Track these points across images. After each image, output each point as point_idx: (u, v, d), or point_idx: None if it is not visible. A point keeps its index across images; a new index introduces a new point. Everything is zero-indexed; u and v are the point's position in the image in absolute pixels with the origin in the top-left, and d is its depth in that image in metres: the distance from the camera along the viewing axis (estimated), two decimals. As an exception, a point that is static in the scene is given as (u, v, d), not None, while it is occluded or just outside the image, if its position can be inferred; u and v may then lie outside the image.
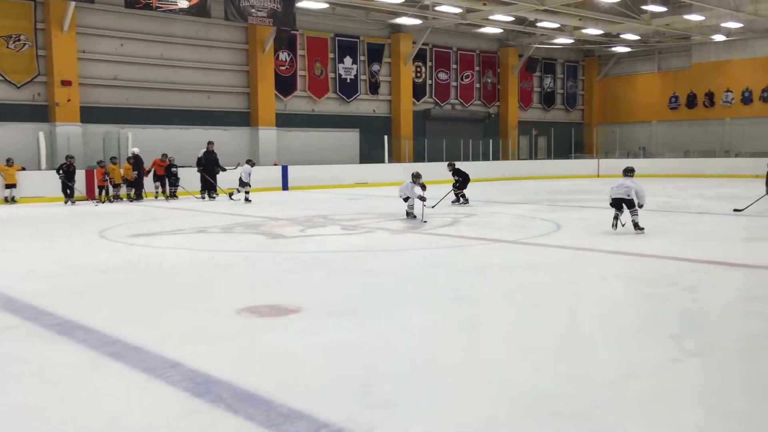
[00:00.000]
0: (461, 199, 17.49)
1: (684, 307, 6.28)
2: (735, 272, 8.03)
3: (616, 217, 11.37)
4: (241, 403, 3.89)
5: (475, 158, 32.03)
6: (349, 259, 9.29)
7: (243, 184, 19.19)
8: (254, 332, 5.53)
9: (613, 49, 36.42)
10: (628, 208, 11.18)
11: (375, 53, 30.08)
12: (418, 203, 13.37)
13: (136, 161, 19.90)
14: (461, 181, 17.69)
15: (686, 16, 27.94)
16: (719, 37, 32.44)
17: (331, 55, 28.77)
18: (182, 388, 4.17)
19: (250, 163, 19.91)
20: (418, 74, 31.75)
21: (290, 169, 25.37)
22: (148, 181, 20.37)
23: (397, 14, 27.82)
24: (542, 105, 37.67)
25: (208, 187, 20.56)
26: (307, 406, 3.85)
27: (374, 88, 30.27)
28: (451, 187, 17.75)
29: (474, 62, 34.06)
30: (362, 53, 29.66)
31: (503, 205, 17.37)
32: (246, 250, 10.27)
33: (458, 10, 27.04)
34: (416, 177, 13.73)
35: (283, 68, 27.47)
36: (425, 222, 13.09)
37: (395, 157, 29.72)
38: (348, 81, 29.34)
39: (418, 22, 28.61)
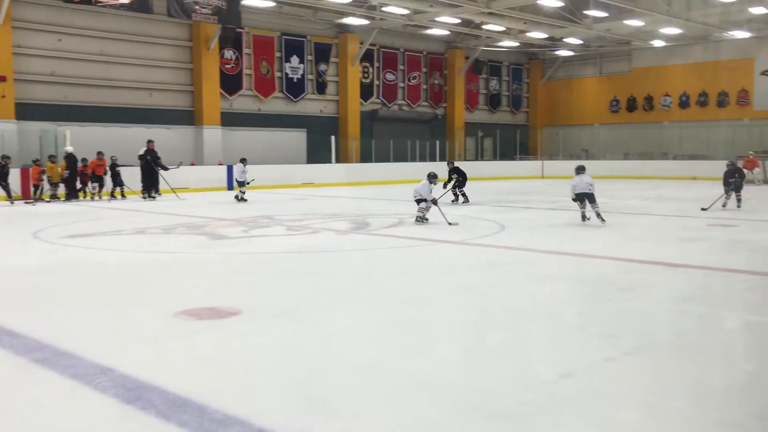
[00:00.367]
0: (461, 197, 17.51)
1: (621, 307, 6.40)
2: (671, 272, 8.23)
3: (583, 212, 12.71)
4: (173, 410, 3.77)
5: (422, 159, 32.18)
6: (293, 260, 9.18)
7: (240, 183, 18.96)
8: (191, 335, 5.39)
9: (557, 52, 37.11)
10: (590, 202, 12.50)
11: (322, 53, 29.93)
12: (432, 206, 12.90)
13: (69, 160, 19.28)
14: (461, 180, 17.62)
15: (626, 22, 28.64)
16: (658, 43, 33.38)
17: (277, 54, 28.50)
18: (112, 394, 4.02)
19: (243, 162, 19.52)
20: (366, 75, 31.73)
21: (235, 168, 24.98)
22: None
23: (345, 14, 27.75)
24: (488, 107, 38.11)
25: (149, 187, 20.10)
26: (243, 411, 3.76)
27: (321, 87, 30.13)
28: (451, 187, 17.65)
29: (421, 63, 34.22)
30: (309, 53, 29.48)
31: (449, 206, 17.46)
32: (186, 251, 10.04)
33: (405, 12, 27.12)
34: (433, 177, 13.21)
35: (229, 66, 27.08)
36: (456, 224, 12.56)
37: (342, 158, 29.65)
38: (295, 80, 29.12)
39: (365, 22, 28.58)
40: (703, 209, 15.30)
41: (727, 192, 15.89)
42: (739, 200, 15.84)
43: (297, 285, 7.43)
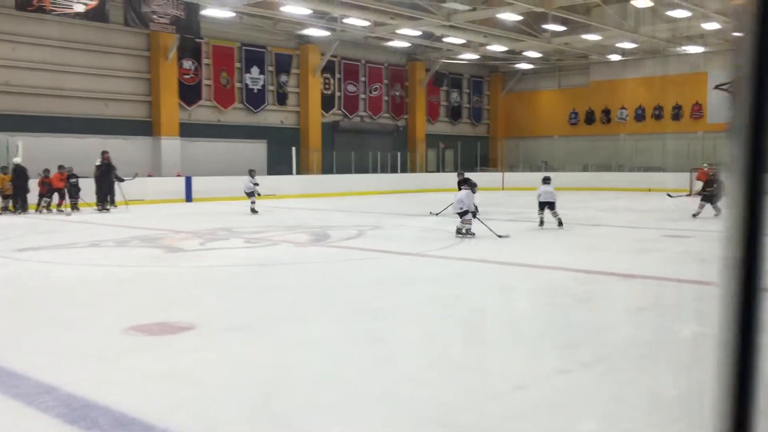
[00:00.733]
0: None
1: (579, 318, 6.44)
2: (626, 283, 8.33)
3: (541, 218, 14.08)
4: (119, 429, 3.65)
5: (384, 170, 32.25)
6: (250, 273, 9.06)
7: (249, 194, 18.65)
8: (141, 352, 5.25)
9: (517, 65, 37.60)
10: (551, 209, 13.90)
11: (283, 64, 29.83)
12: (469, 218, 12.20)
13: (16, 172, 18.75)
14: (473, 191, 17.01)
15: (583, 36, 29.18)
16: (615, 57, 34.06)
17: (237, 65, 28.30)
18: (55, 414, 3.88)
19: (252, 173, 19.26)
20: (327, 86, 31.70)
21: (194, 180, 24.71)
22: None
23: (305, 26, 27.71)
24: (449, 119, 38.40)
25: (104, 199, 19.71)
26: (196, 429, 3.66)
27: (282, 99, 30.00)
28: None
29: (383, 75, 34.34)
30: (270, 64, 29.35)
31: (409, 218, 17.49)
32: (141, 264, 9.84)
33: (366, 24, 27.20)
34: (474, 186, 12.49)
35: (188, 77, 26.79)
36: (507, 236, 12.15)
37: (303, 169, 29.52)
38: (255, 91, 28.94)
39: (326, 33, 28.58)
40: (669, 195, 15.69)
41: (702, 201, 16.53)
42: (717, 210, 16.30)
43: (254, 298, 7.32)
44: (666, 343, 5.71)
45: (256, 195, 18.75)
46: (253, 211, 18.37)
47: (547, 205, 13.83)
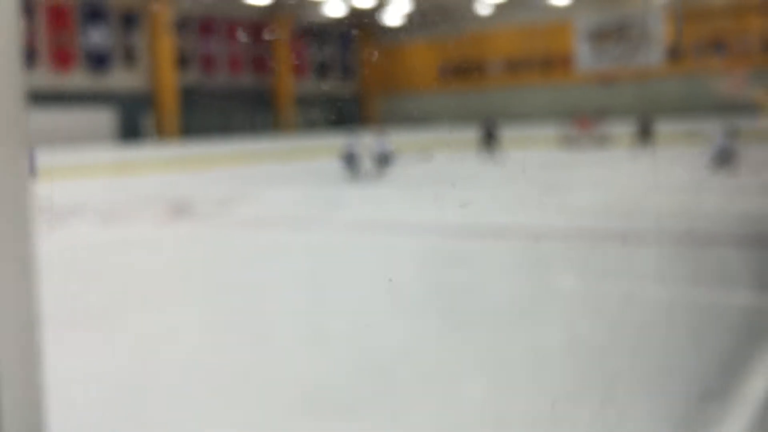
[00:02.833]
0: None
1: (458, 279, 6.57)
2: (503, 239, 8.59)
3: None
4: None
5: (250, 132, 31.57)
6: (102, 255, 8.58)
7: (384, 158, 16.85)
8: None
9: (386, 19, 37.61)
10: (385, 163, 15.78)
11: (130, 21, 28.27)
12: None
13: None
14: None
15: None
16: (484, 7, 34.82)
17: (76, 23, 26.54)
18: None
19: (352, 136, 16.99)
20: (182, 44, 30.42)
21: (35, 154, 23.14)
22: None
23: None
24: (317, 76, 37.98)
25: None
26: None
27: (131, 59, 28.50)
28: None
29: (243, 32, 33.37)
30: (114, 21, 27.71)
31: (280, 184, 17.23)
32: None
33: (221, -26, 26.26)
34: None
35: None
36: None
37: (160, 135, 28.34)
38: (99, 52, 27.30)
39: (176, -14, 27.35)
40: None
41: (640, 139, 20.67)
42: (651, 145, 20.51)
43: (107, 284, 6.93)
44: (545, 298, 5.93)
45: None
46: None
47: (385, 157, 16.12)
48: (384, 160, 16.20)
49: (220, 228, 10.40)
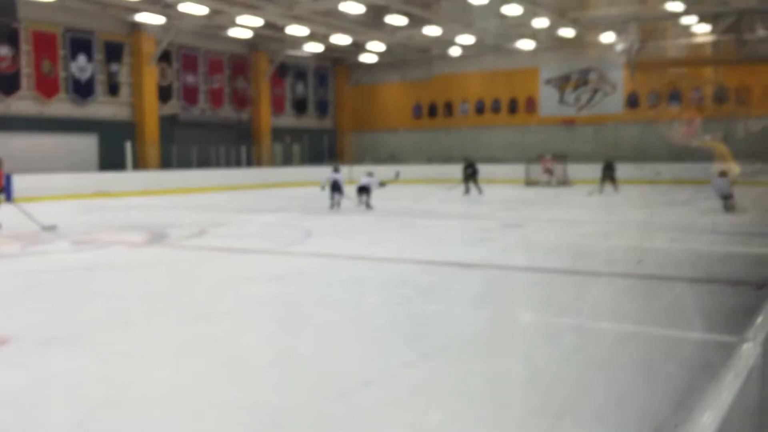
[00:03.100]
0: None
1: (422, 310, 6.57)
2: (467, 273, 8.63)
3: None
4: None
5: (228, 165, 31.46)
6: (76, 278, 8.44)
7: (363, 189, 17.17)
8: (-59, 374, 4.71)
9: (361, 58, 38.01)
10: (368, 194, 16.67)
11: (114, 52, 28.16)
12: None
13: None
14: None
15: (425, 30, 30.01)
16: (455, 51, 35.36)
17: (62, 52, 26.36)
18: None
19: (335, 168, 17.58)
20: (164, 76, 30.36)
21: (15, 178, 22.73)
22: None
23: (138, 11, 26.31)
24: (295, 111, 38.12)
25: None
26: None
27: (114, 89, 28.34)
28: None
29: (224, 66, 33.42)
30: (99, 51, 27.60)
31: (254, 213, 17.17)
32: (-53, 274, 8.88)
33: (204, 11, 26.30)
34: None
35: (4, 65, 24.58)
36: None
37: (140, 164, 28.10)
38: (83, 81, 27.11)
39: (161, 20, 27.33)
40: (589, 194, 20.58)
41: (602, 181, 22.52)
42: (616, 188, 22.75)
43: (78, 306, 6.81)
44: (503, 331, 5.96)
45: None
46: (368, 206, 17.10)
47: (365, 190, 16.86)
48: (367, 193, 16.89)
49: (193, 253, 10.31)
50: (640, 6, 27.68)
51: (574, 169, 28.55)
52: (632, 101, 32.78)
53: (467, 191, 22.97)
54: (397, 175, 19.36)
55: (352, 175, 33.38)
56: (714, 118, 28.99)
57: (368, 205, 16.85)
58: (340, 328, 5.96)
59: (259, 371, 4.81)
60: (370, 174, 17.58)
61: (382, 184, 17.37)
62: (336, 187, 16.79)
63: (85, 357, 5.08)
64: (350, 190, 17.63)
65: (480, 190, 22.57)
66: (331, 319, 6.30)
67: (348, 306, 6.83)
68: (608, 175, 23.46)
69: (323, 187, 17.34)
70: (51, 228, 13.11)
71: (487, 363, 4.91)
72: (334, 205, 16.86)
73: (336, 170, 17.18)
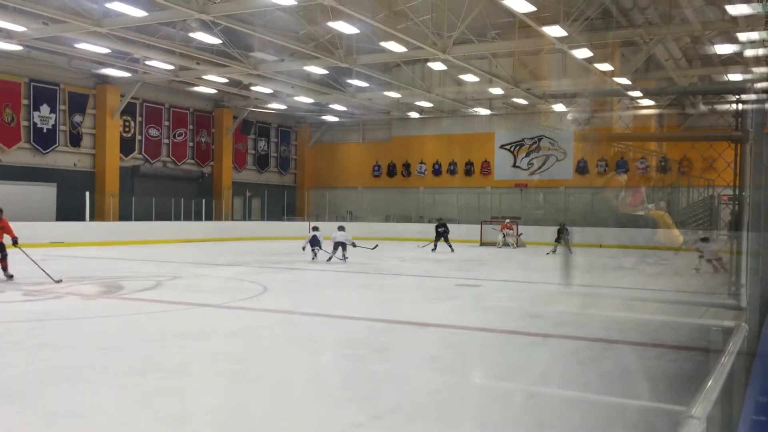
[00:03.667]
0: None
1: (375, 369, 6.48)
2: (421, 332, 8.58)
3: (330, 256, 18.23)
4: None
5: (188, 218, 31.08)
6: (24, 330, 8.13)
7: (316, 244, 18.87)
8: None
9: (323, 117, 38.42)
10: (343, 249, 18.27)
11: (77, 103, 27.92)
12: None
13: None
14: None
15: (385, 93, 30.56)
16: (414, 114, 36.02)
17: (25, 102, 26.02)
18: None
19: (314, 227, 20.06)
20: (127, 129, 30.13)
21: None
22: None
23: (104, 65, 26.25)
24: (256, 167, 38.11)
25: None
26: None
27: (76, 140, 27.97)
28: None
29: (188, 120, 33.38)
30: (63, 102, 27.33)
31: (212, 267, 16.91)
32: None
33: (170, 67, 26.38)
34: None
35: (-36, 111, 24.15)
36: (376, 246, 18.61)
37: (99, 215, 27.56)
38: (45, 131, 26.73)
39: (127, 74, 27.29)
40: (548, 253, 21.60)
41: (557, 242, 23.79)
42: (570, 249, 23.93)
43: (24, 360, 6.54)
44: (456, 391, 5.91)
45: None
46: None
47: (340, 245, 18.37)
48: (343, 247, 18.48)
49: (147, 305, 10.05)
50: (589, 80, 28.73)
51: (527, 231, 29.00)
52: (582, 168, 33.65)
53: (435, 248, 24.22)
54: (375, 247, 21.50)
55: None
56: (658, 187, 29.89)
57: (344, 258, 18.42)
58: (292, 387, 5.83)
59: (211, 427, 4.65)
60: (341, 228, 19.11)
61: (353, 244, 18.90)
62: (315, 242, 18.58)
63: (28, 413, 4.85)
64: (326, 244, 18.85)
65: (452, 249, 23.91)
66: (283, 377, 6.17)
67: (301, 364, 6.70)
68: (563, 237, 24.56)
69: (304, 248, 18.97)
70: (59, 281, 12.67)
71: (439, 424, 4.84)
72: (314, 256, 18.70)
73: (315, 229, 19.42)
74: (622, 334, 8.71)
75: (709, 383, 2.65)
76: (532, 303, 11.49)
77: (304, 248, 18.95)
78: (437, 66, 25.13)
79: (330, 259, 18.28)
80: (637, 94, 28.63)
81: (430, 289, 13.29)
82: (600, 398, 5.67)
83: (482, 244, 29.23)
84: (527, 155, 34.89)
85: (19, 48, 23.51)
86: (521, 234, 28.86)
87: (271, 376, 6.20)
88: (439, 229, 24.48)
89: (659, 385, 6.04)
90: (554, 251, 23.75)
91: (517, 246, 28.06)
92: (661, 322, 9.89)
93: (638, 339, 8.34)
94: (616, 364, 7.01)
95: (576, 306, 11.32)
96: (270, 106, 34.67)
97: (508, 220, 28.96)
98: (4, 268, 13.05)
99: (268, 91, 30.97)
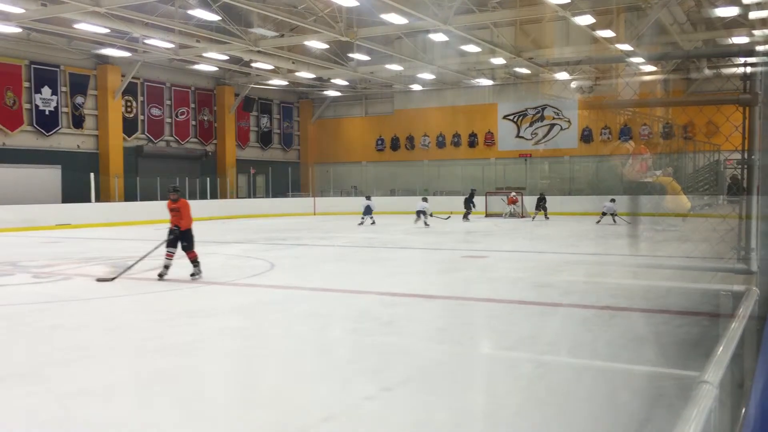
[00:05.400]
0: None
1: (382, 342, 6.50)
2: (428, 304, 8.60)
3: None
4: None
5: (192, 197, 31.06)
6: (34, 312, 8.17)
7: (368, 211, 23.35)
8: None
9: (325, 92, 38.20)
10: (424, 216, 21.90)
11: (79, 85, 27.82)
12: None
13: None
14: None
15: (387, 66, 30.33)
16: (416, 87, 35.76)
17: (26, 84, 25.94)
18: None
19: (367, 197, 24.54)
20: (129, 109, 30.04)
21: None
22: None
23: (103, 45, 26.08)
24: (260, 144, 38.03)
25: None
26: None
27: (78, 121, 27.92)
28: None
29: (189, 99, 33.25)
30: (64, 84, 27.23)
31: (218, 245, 16.93)
32: None
33: (170, 46, 26.19)
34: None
35: (-34, 96, 24.09)
36: (448, 217, 21.81)
37: (104, 196, 27.59)
38: (47, 113, 26.68)
39: (127, 54, 27.12)
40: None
41: (536, 210, 25.90)
42: (546, 217, 25.92)
43: (36, 341, 6.58)
44: (464, 362, 5.92)
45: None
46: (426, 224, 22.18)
47: (421, 213, 22.09)
48: (424, 215, 22.09)
49: (156, 285, 10.08)
50: (592, 47, 28.42)
51: (531, 202, 28.95)
52: (586, 136, 33.44)
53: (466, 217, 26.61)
54: (448, 218, 24.98)
55: (317, 207, 33.32)
56: (665, 154, 29.71)
57: (426, 224, 21.83)
58: (302, 362, 5.85)
59: (220, 407, 4.68)
60: (425, 199, 22.79)
61: (431, 214, 22.49)
62: (368, 211, 23.02)
63: (41, 394, 4.89)
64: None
65: (469, 219, 26.24)
66: (293, 352, 6.19)
67: (310, 339, 6.72)
68: (541, 206, 26.68)
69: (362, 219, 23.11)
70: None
71: (448, 396, 4.86)
72: (362, 221, 23.13)
73: (368, 198, 23.82)
74: (630, 301, 8.71)
75: (720, 348, 2.63)
76: (539, 273, 11.49)
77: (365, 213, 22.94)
78: (439, 37, 24.88)
79: (371, 223, 23.04)
80: (640, 60, 28.34)
81: (436, 261, 13.29)
82: (608, 365, 5.68)
83: (488, 215, 29.18)
84: (531, 125, 34.67)
85: (18, 30, 23.39)
86: (525, 205, 28.84)
87: (282, 351, 6.22)
88: (471, 200, 26.91)
89: (668, 350, 6.04)
90: (533, 219, 26.40)
91: (521, 217, 28.03)
92: (669, 288, 9.88)
93: (646, 306, 8.34)
94: (624, 330, 7.01)
95: (585, 275, 11.32)
96: (271, 82, 34.47)
97: (513, 194, 28.88)
98: (194, 262, 11.01)
99: (269, 67, 30.78)
